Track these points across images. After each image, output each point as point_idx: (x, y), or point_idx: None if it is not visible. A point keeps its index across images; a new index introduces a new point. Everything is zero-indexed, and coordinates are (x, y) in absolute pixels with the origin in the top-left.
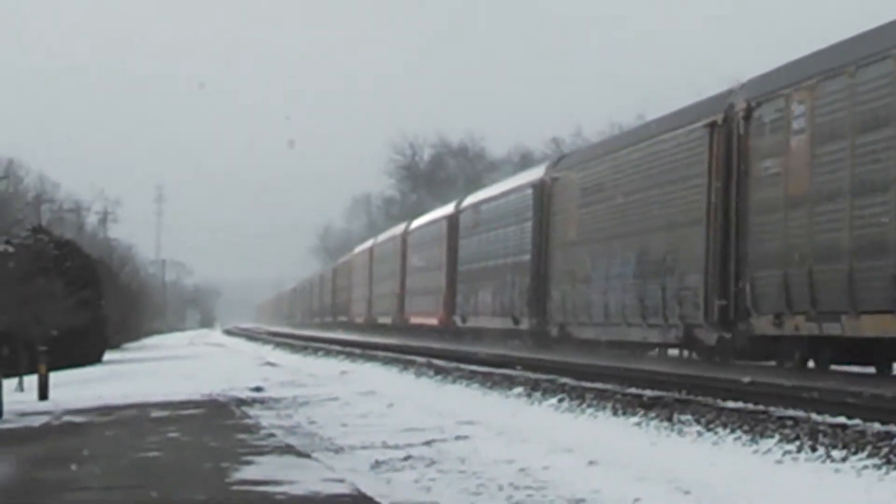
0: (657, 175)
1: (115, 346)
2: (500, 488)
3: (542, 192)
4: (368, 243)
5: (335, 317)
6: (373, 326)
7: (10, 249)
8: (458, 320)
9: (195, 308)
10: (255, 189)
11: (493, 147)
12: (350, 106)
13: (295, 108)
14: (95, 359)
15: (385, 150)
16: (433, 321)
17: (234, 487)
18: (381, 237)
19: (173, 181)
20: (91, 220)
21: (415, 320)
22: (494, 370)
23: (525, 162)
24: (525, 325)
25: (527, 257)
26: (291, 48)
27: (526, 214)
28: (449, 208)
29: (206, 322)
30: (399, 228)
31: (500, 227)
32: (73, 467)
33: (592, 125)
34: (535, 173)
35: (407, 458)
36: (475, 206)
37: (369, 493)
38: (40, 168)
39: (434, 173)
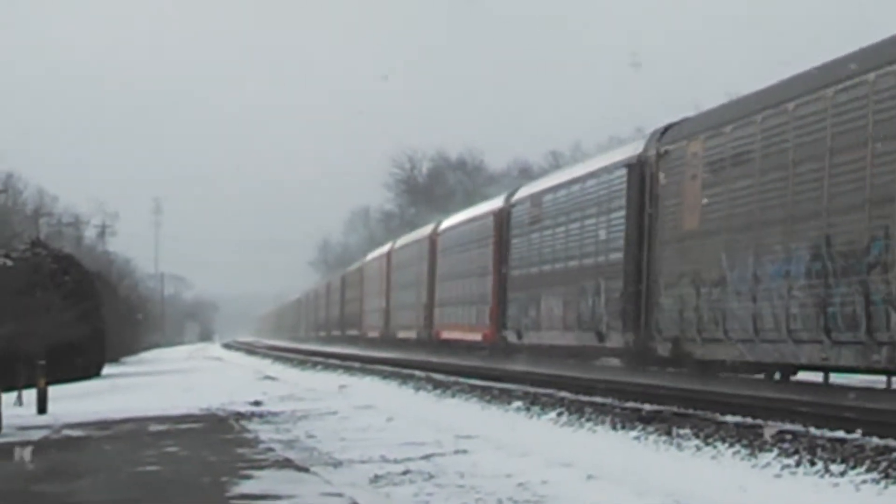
0: (855, 132)
1: (114, 359)
2: (499, 502)
3: (642, 173)
4: (384, 248)
5: (344, 330)
6: (391, 342)
7: (9, 263)
8: (510, 336)
9: (194, 322)
10: (254, 202)
11: (492, 161)
12: (348, 119)
13: (293, 122)
14: (94, 373)
15: (384, 164)
16: (475, 337)
17: (233, 502)
18: (402, 241)
19: (172, 195)
20: (89, 233)
21: (448, 335)
22: (493, 384)
23: (524, 175)
24: (615, 341)
25: (617, 256)
26: (290, 62)
27: (616, 202)
28: (496, 202)
29: (205, 336)
30: (425, 230)
31: (574, 221)
32: (72, 481)
33: (590, 139)
34: (630, 150)
35: (406, 472)
36: (535, 198)
37: None
38: (39, 181)
39: (433, 187)
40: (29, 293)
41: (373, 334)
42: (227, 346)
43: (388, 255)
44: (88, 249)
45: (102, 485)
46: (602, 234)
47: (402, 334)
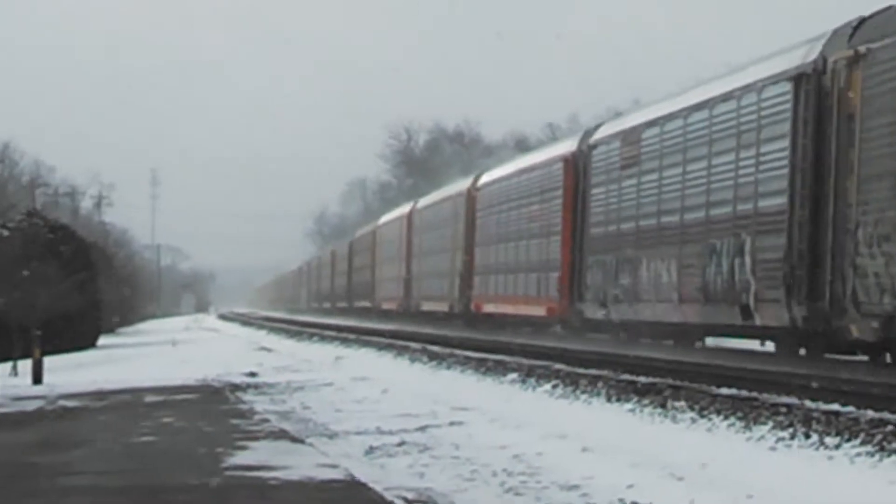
0: None
1: (110, 330)
2: (494, 474)
3: (820, 84)
4: (405, 208)
5: (351, 301)
6: (413, 316)
7: (5, 233)
8: (590, 309)
9: (190, 293)
10: (251, 174)
11: (489, 132)
12: (346, 91)
13: (291, 93)
14: (90, 343)
15: (381, 135)
16: (535, 310)
17: (228, 472)
18: (427, 199)
19: (169, 166)
20: (86, 204)
21: (494, 309)
22: (489, 356)
23: (521, 147)
24: (771, 317)
25: (776, 202)
26: (288, 32)
27: (772, 130)
28: (566, 145)
29: (201, 307)
30: (460, 185)
31: (696, 160)
32: (68, 452)
33: (587, 110)
34: (799, 55)
35: (401, 443)
36: (628, 135)
37: (363, 478)
38: (36, 152)
39: (430, 158)
40: (25, 264)
41: (388, 306)
42: (223, 318)
43: (409, 215)
44: (85, 220)
45: (97, 455)
46: (746, 175)
47: (427, 306)
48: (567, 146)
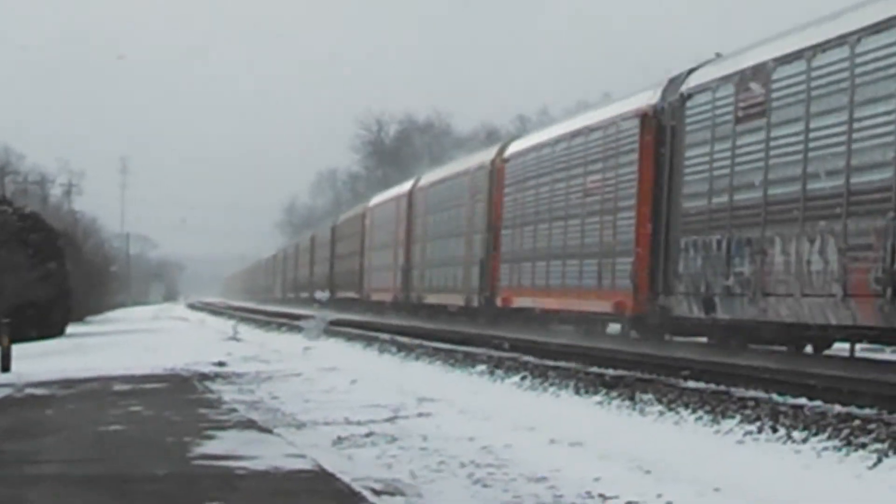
0: None
1: (79, 319)
2: (462, 465)
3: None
4: (403, 187)
5: (334, 292)
6: (413, 309)
7: None
8: (683, 305)
9: (159, 282)
10: (221, 164)
11: (460, 124)
12: (316, 82)
13: (261, 84)
14: (59, 332)
15: (351, 126)
16: (599, 305)
17: (196, 462)
18: (432, 175)
19: (138, 155)
20: (55, 192)
21: (532, 303)
22: (457, 347)
23: (491, 139)
24: None
25: None
26: (260, 23)
27: None
28: (642, 97)
29: (170, 296)
30: (481, 156)
31: (872, 101)
32: (35, 440)
33: (556, 104)
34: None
35: (369, 434)
36: (751, 75)
37: (330, 469)
38: (5, 139)
39: (400, 149)
40: None
41: (381, 297)
42: (192, 307)
43: (410, 195)
44: (54, 208)
45: (65, 443)
46: None
47: (434, 299)
48: (643, 99)
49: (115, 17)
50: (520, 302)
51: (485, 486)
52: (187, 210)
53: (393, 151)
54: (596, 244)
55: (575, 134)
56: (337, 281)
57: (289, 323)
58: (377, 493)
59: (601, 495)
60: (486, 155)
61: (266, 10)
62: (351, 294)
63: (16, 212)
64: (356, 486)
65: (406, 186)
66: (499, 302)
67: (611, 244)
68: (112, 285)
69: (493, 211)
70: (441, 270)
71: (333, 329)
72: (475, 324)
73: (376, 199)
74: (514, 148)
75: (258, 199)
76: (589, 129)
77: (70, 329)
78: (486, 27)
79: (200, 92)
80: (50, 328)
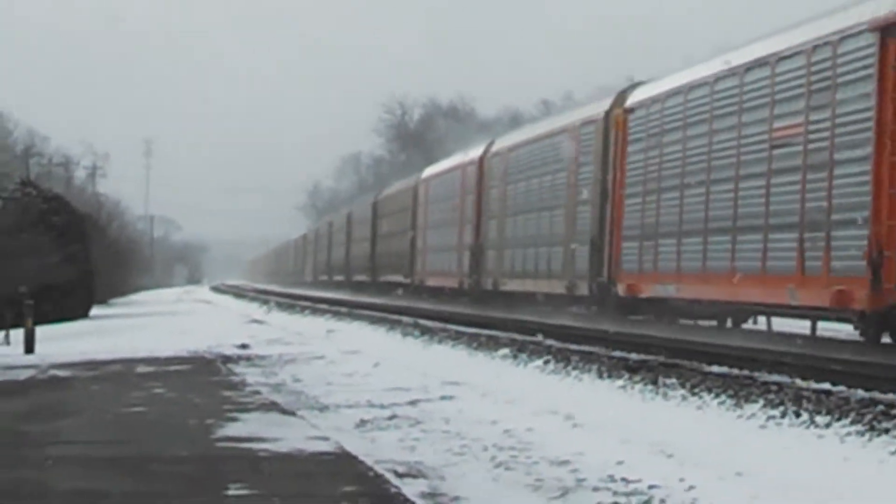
0: None
1: (103, 301)
2: (484, 449)
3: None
4: (471, 152)
5: (375, 276)
6: (486, 297)
7: None
8: None
9: (183, 264)
10: (245, 146)
11: (484, 108)
12: (340, 66)
13: (286, 67)
14: (82, 314)
15: (375, 110)
16: (808, 296)
17: (219, 444)
18: (511, 137)
19: (163, 137)
20: (80, 174)
21: (676, 292)
22: (481, 331)
23: (515, 123)
24: None
25: None
26: (284, 7)
27: None
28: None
29: (194, 279)
30: (587, 109)
31: None
32: (58, 421)
33: (581, 88)
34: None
35: (392, 417)
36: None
37: (353, 451)
38: (29, 122)
39: (424, 133)
40: (18, 233)
41: (440, 283)
42: (216, 290)
43: (481, 162)
44: (78, 191)
45: (88, 425)
46: None
47: (518, 286)
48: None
49: (141, 1)
50: (655, 290)
51: (507, 469)
52: (211, 193)
53: (417, 135)
54: (794, 211)
55: (754, 65)
56: (380, 262)
57: (312, 306)
58: (400, 475)
59: (623, 479)
60: (596, 107)
61: None
62: (398, 278)
63: (40, 194)
64: (379, 469)
65: (474, 153)
66: (621, 290)
67: (822, 211)
68: (136, 267)
69: (613, 175)
70: (529, 252)
71: (356, 312)
72: (598, 319)
73: (432, 170)
74: (641, 95)
75: (282, 182)
76: (778, 57)
77: (94, 311)
78: (508, 10)
79: (225, 75)
80: (74, 310)
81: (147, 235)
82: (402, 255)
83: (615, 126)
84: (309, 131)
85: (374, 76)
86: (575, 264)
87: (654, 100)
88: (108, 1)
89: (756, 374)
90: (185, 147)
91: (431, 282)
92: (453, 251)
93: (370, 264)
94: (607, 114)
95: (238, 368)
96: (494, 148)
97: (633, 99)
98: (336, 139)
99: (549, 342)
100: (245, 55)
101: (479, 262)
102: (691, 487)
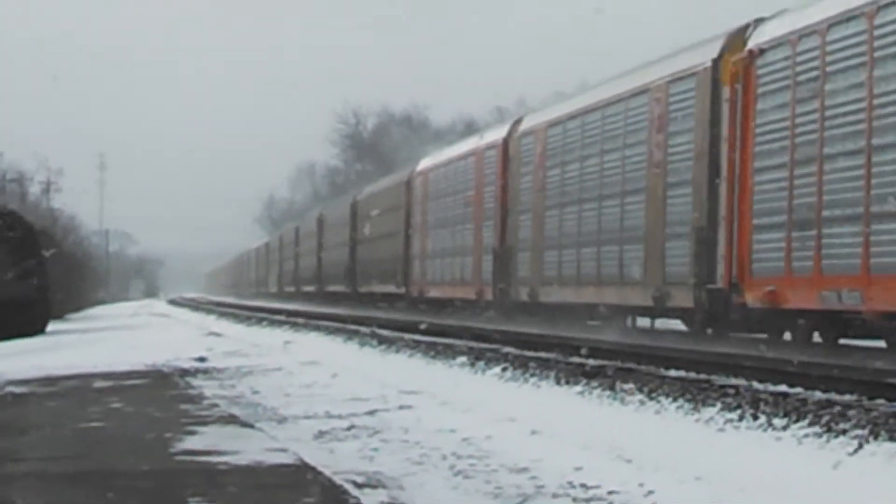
0: None
1: (59, 316)
2: (444, 458)
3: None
4: (488, 136)
5: (356, 286)
6: (514, 309)
7: None
8: None
9: (139, 278)
10: (199, 159)
11: (437, 116)
12: (294, 76)
13: (239, 77)
14: (39, 329)
15: (329, 120)
16: None
17: (178, 458)
18: (554, 109)
19: (117, 152)
20: (34, 190)
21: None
22: (437, 339)
23: (469, 131)
24: None
25: None
26: (236, 17)
27: None
28: None
29: (151, 292)
30: (687, 59)
31: None
32: (15, 438)
33: (535, 93)
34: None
35: (350, 427)
36: None
37: (312, 462)
38: None
39: (378, 142)
40: None
41: (448, 293)
42: (173, 303)
43: (504, 145)
44: (33, 206)
45: (46, 441)
46: None
47: (566, 296)
48: None
49: (90, 13)
50: (822, 300)
51: (466, 477)
52: (166, 206)
53: (371, 144)
54: None
55: None
56: (363, 271)
57: (269, 318)
58: (359, 486)
59: (583, 485)
60: (694, 57)
61: (244, 5)
62: (388, 288)
63: None
64: (338, 480)
65: (493, 135)
66: (752, 299)
67: None
68: (92, 282)
69: (730, 143)
70: (587, 252)
71: (313, 323)
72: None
73: (431, 160)
74: (776, 30)
75: (237, 194)
76: None
77: (50, 327)
78: (459, 19)
79: (178, 88)
80: (30, 326)
81: (103, 250)
82: (392, 261)
83: (733, 77)
84: (263, 142)
85: (327, 85)
86: (665, 266)
87: (803, 32)
88: (58, 14)
89: (713, 377)
90: (140, 161)
91: (435, 292)
92: (468, 255)
93: (349, 273)
94: (716, 62)
95: (196, 381)
96: (525, 126)
97: (760, 38)
98: (291, 150)
99: (507, 349)
100: (198, 66)
101: (508, 267)
102: (650, 492)
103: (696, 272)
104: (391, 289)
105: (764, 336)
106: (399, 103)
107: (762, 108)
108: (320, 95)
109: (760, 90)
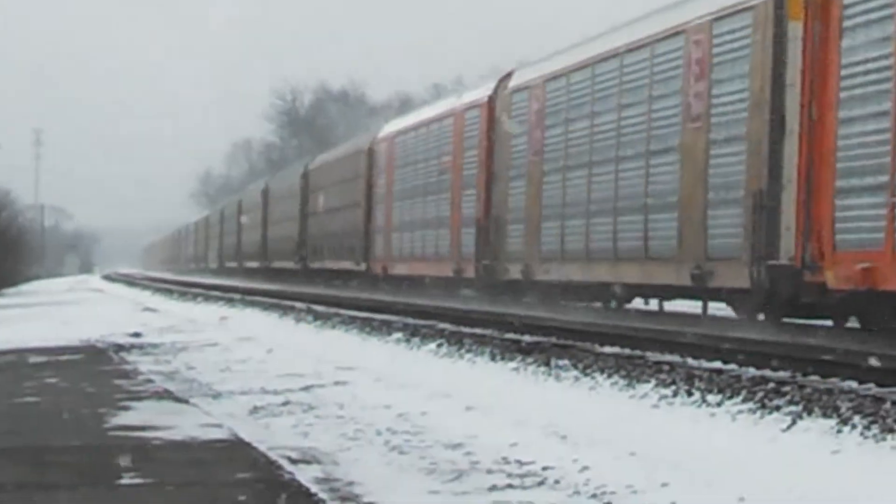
0: None
1: None
2: (378, 433)
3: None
4: (467, 95)
5: (307, 261)
6: (491, 287)
7: None
8: None
9: (74, 254)
10: (135, 134)
11: (374, 93)
12: (230, 50)
13: (175, 52)
14: None
15: (265, 96)
16: None
17: (112, 433)
18: (562, 58)
19: (52, 126)
20: None
21: None
22: (374, 315)
23: (405, 108)
24: None
25: None
26: None
27: None
28: None
29: (86, 268)
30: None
31: None
32: None
33: (472, 71)
34: None
35: (285, 403)
36: None
37: (247, 438)
38: None
39: (315, 119)
40: None
41: (417, 271)
42: (108, 278)
43: (489, 103)
44: None
45: None
46: None
47: (568, 273)
48: None
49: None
50: None
51: (401, 453)
52: (102, 182)
53: (308, 120)
54: None
55: None
56: (314, 245)
57: (205, 293)
58: (293, 461)
59: (517, 461)
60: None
61: None
62: (345, 264)
63: None
64: (273, 455)
65: (475, 94)
66: (833, 279)
67: None
68: (26, 258)
69: (802, 90)
70: (598, 223)
71: (249, 299)
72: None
73: (396, 124)
74: None
75: (173, 169)
76: None
77: None
78: None
79: (113, 62)
80: None
81: (37, 225)
82: (349, 235)
83: (801, 12)
84: (200, 117)
85: (264, 61)
86: (707, 237)
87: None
88: None
89: (648, 353)
90: (76, 136)
91: (402, 269)
92: (443, 227)
93: (298, 248)
94: (774, 6)
95: (130, 357)
96: (516, 81)
97: None
98: (227, 125)
99: (443, 326)
100: (134, 40)
101: (494, 240)
102: (585, 468)
103: (751, 245)
104: (348, 265)
105: (856, 326)
106: (336, 81)
107: (850, 44)
108: (257, 73)
109: (848, 23)
